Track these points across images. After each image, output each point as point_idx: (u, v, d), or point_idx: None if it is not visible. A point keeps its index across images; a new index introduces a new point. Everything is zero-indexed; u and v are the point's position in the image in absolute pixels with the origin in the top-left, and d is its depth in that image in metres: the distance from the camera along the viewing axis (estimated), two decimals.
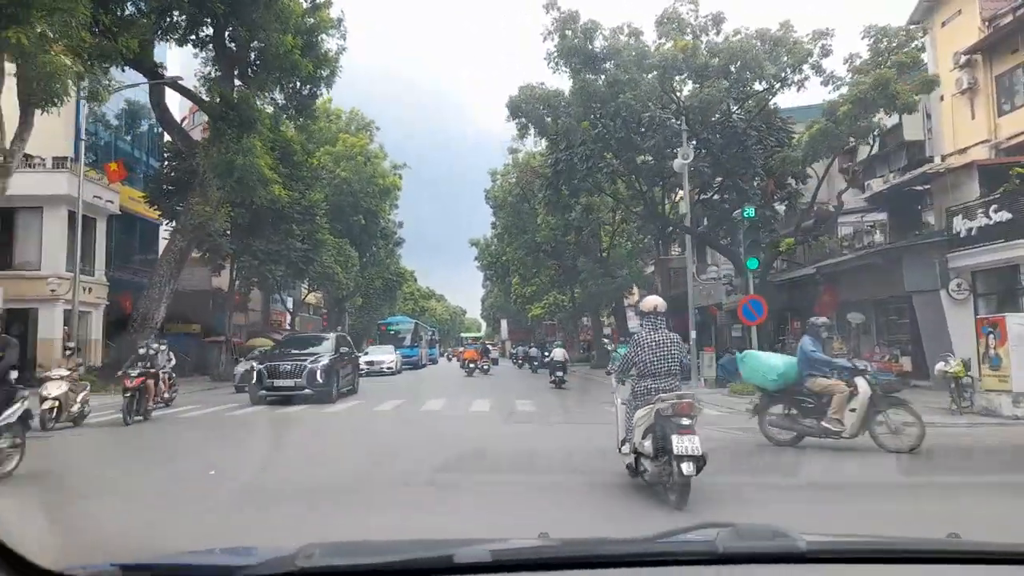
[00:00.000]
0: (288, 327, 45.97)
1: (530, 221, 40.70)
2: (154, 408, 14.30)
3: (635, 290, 38.91)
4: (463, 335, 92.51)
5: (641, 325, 7.11)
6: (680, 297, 38.19)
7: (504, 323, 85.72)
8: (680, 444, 5.75)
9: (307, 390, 16.98)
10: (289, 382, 17.16)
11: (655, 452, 6.09)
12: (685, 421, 5.93)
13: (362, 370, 31.85)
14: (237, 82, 25.50)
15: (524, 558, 1.61)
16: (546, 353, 41.74)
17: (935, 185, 19.50)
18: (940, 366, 14.14)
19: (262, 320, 46.51)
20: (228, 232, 32.23)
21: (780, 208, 24.59)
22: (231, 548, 1.95)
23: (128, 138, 33.72)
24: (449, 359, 62.85)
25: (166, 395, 16.00)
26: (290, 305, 48.20)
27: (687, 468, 5.69)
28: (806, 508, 6.14)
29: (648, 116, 21.59)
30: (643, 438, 6.26)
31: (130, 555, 1.78)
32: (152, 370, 14.17)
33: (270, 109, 29.11)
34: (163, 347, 16.19)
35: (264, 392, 17.43)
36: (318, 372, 17.25)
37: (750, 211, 15.02)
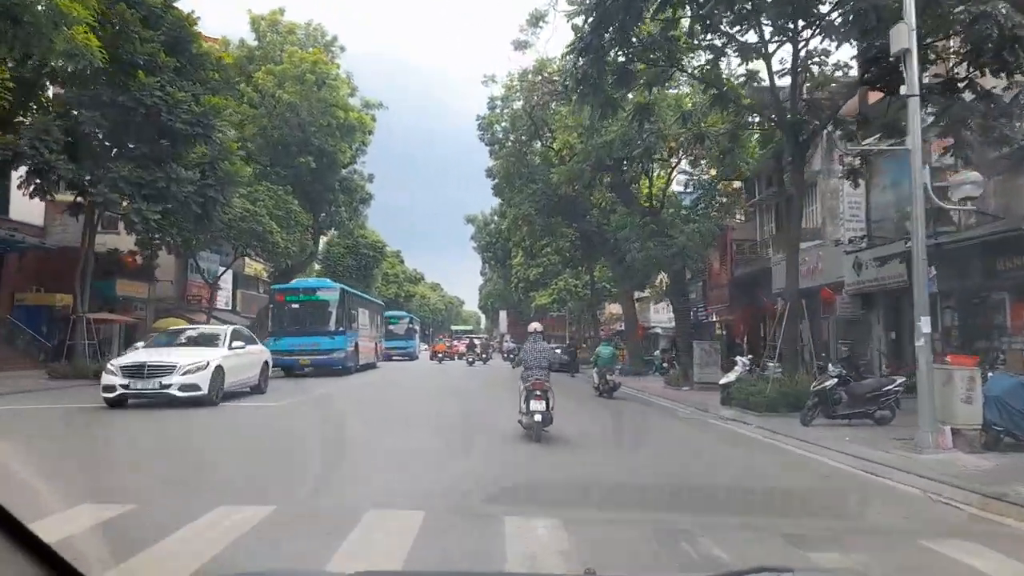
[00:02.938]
0: (208, 304, 34.13)
1: (540, 170, 28.87)
2: None
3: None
4: (453, 328, 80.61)
5: (527, 339, 11.84)
6: (744, 279, 26.34)
7: (503, 315, 74.29)
8: (534, 405, 9.97)
9: None
10: None
11: (526, 411, 10.12)
12: (538, 393, 10.05)
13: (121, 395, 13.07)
14: None
15: None
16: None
17: None
18: None
19: (176, 294, 34.76)
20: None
21: None
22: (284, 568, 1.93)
23: None
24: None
25: None
26: (219, 273, 36.00)
27: (537, 417, 9.88)
28: None
29: None
30: (522, 403, 10.28)
31: None
32: None
33: None
34: None
35: None
36: None
37: None
